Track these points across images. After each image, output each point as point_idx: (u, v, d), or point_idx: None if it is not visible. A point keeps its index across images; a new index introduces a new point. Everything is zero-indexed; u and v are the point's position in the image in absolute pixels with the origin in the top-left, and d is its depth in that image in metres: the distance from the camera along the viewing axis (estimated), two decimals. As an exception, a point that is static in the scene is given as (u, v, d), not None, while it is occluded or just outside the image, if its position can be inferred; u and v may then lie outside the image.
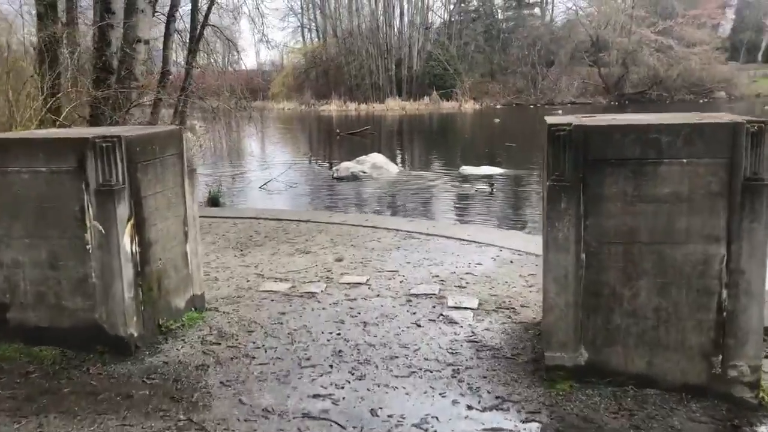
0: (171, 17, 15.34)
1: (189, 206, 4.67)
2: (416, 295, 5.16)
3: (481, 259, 6.23)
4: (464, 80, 57.13)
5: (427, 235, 7.31)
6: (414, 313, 4.75)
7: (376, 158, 17.52)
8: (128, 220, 3.98)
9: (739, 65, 62.83)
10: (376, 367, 3.86)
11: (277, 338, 4.36)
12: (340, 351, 4.10)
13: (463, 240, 6.99)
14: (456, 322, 4.53)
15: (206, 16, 17.12)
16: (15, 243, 4.06)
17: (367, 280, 5.62)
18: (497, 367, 3.79)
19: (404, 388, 3.59)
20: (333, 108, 53.20)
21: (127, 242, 3.96)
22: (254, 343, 4.29)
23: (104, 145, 3.85)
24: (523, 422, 3.20)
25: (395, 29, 60.76)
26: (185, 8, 17.61)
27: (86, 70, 12.02)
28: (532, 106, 53.52)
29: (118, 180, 3.89)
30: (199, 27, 16.76)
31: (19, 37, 13.16)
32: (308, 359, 4.00)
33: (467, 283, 5.49)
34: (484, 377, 3.67)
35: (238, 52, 21.48)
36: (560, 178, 3.35)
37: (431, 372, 3.77)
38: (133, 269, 4.05)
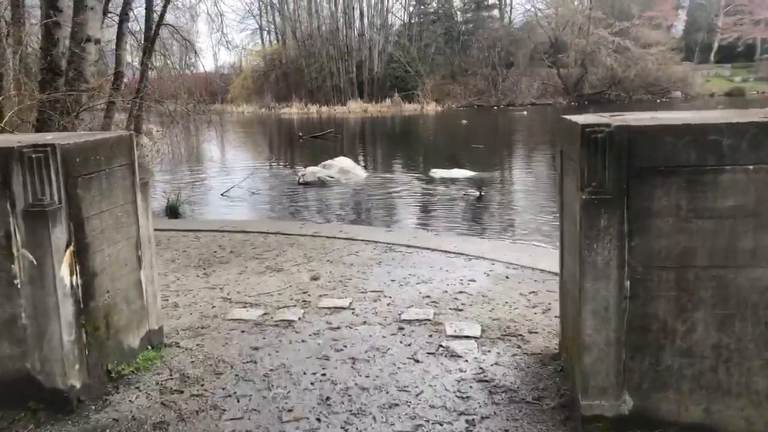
0: (124, 15, 14.45)
1: (143, 225, 3.95)
2: (408, 321, 4.52)
3: (474, 275, 5.63)
4: (425, 82, 56.94)
5: (409, 247, 6.69)
6: (409, 345, 4.11)
7: (344, 162, 16.85)
8: (67, 246, 3.26)
9: (694, 65, 63.99)
10: (374, 419, 3.21)
11: (251, 382, 3.67)
12: (327, 398, 3.43)
13: (450, 253, 6.38)
14: (459, 356, 3.91)
15: (162, 15, 16.26)
16: (-75, 277, 3.30)
17: (350, 303, 4.96)
18: (519, 415, 3.18)
19: (410, 446, 2.96)
20: (294, 111, 52.38)
21: (65, 274, 3.24)
22: (224, 389, 3.60)
23: (34, 156, 3.12)
24: (564, 492, 2.59)
25: (355, 31, 60.20)
26: (140, 10, 16.78)
27: (32, 71, 11.15)
28: (495, 107, 53.53)
29: (53, 198, 3.17)
30: (154, 26, 15.89)
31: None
32: (290, 410, 3.33)
33: (463, 304, 4.87)
34: (506, 431, 3.05)
35: (196, 53, 20.64)
36: (599, 191, 2.75)
37: (441, 425, 3.12)
38: (74, 306, 3.32)
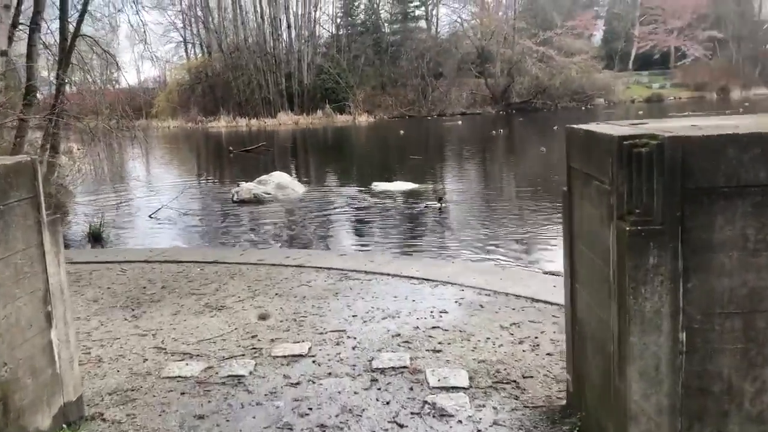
0: (35, 25, 13.26)
1: (53, 274, 3.15)
2: (382, 371, 3.85)
3: (444, 305, 5.02)
4: (356, 93, 56.62)
5: (367, 273, 6.02)
6: (387, 403, 3.43)
7: (280, 177, 16.01)
8: (-55, 311, 2.45)
9: (614, 73, 66.09)
10: None
11: (198, 467, 2.93)
12: (298, 487, 2.73)
13: (413, 279, 5.76)
14: (450, 415, 3.26)
15: (78, 26, 15.13)
16: None
17: (309, 348, 4.25)
18: (542, 499, 2.56)
19: None
20: (222, 124, 50.99)
21: (-57, 349, 2.43)
22: (163, 480, 2.84)
23: None
24: None
25: (283, 43, 59.26)
26: (57, 22, 15.56)
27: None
28: (429, 117, 53.64)
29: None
30: (70, 38, 14.75)
31: None
32: (252, 508, 2.61)
33: (440, 343, 4.24)
34: None
35: (117, 66, 19.42)
36: (646, 220, 2.17)
37: None
38: (-42, 390, 2.51)
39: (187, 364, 4.08)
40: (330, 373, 3.85)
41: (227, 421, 3.33)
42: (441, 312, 4.86)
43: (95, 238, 10.76)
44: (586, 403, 2.89)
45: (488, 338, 4.29)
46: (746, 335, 2.22)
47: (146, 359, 4.24)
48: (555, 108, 55.87)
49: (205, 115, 53.38)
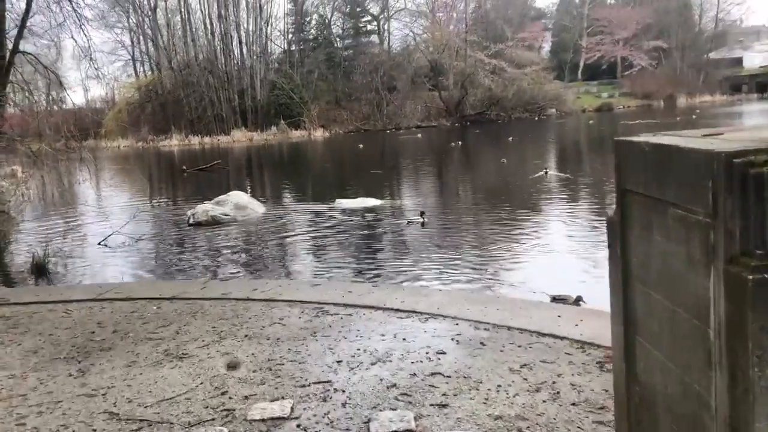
0: (-34, 41, 12.34)
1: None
2: (383, 435, 3.24)
3: (440, 343, 4.43)
4: (311, 108, 56.11)
5: (346, 307, 5.40)
6: (397, 482, 2.82)
7: (239, 197, 15.23)
8: None
9: (565, 84, 67.22)
10: None
11: None
12: None
13: (399, 311, 5.16)
14: (477, 495, 2.67)
15: (16, 41, 14.22)
16: None
17: (292, 408, 3.59)
18: None
19: None
20: (174, 143, 49.75)
21: None
22: None
23: None
24: None
25: (235, 59, 58.34)
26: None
27: None
28: (388, 131, 53.39)
29: None
30: (8, 54, 13.82)
31: None
32: None
33: (445, 394, 3.64)
34: None
35: (62, 86, 18.42)
36: (772, 265, 1.62)
37: None
38: None
39: (145, 436, 3.39)
40: (321, 441, 3.21)
41: None
42: (438, 353, 4.26)
43: (39, 270, 9.83)
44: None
45: (499, 386, 3.71)
46: None
47: (94, 430, 3.52)
48: (509, 119, 56.40)
49: (156, 134, 52.03)
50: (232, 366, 4.32)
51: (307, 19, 65.91)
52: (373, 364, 4.15)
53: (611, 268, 2.49)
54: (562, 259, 8.63)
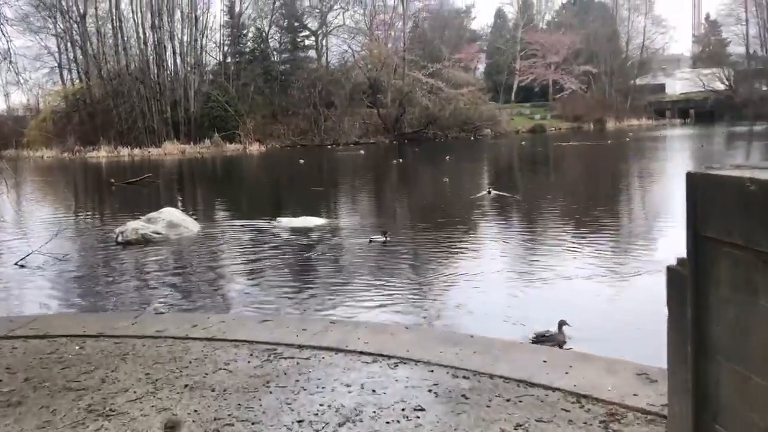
0: None
1: None
2: None
3: (416, 396, 3.84)
4: (246, 121, 54.99)
5: (302, 348, 4.75)
6: None
7: (172, 214, 14.26)
8: None
9: (499, 105, 68.33)
10: None
11: None
12: None
13: (364, 354, 4.55)
14: None
15: (-76, 42, 12.96)
16: None
17: (249, 487, 2.94)
18: None
19: None
20: (102, 154, 47.73)
21: None
22: None
23: None
24: None
25: (169, 70, 56.65)
26: None
27: None
28: (323, 147, 52.75)
29: None
30: None
31: None
32: None
33: (432, 466, 3.07)
34: None
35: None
36: None
37: None
38: None
39: None
40: None
41: None
42: (416, 409, 3.67)
43: (-59, 296, 8.76)
44: None
45: (495, 452, 3.16)
46: None
47: None
48: (446, 138, 56.78)
49: (83, 145, 49.83)
50: (171, 427, 3.61)
51: (244, 32, 64.85)
52: (341, 425, 3.53)
53: (673, 334, 1.97)
54: (525, 284, 8.22)
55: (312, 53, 68.37)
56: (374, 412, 3.67)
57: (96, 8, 56.08)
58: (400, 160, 33.29)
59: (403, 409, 3.68)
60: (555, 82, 74.05)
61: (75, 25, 55.43)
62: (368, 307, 7.36)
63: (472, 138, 57.43)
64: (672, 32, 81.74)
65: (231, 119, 54.45)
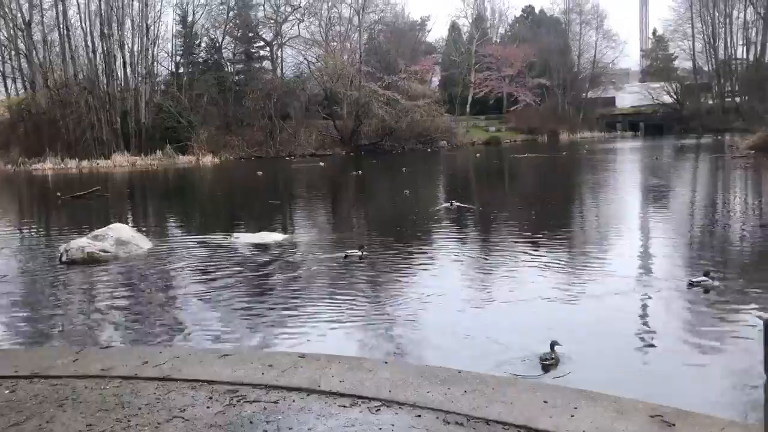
0: None
1: None
2: None
3: (404, 449, 3.35)
4: (199, 133, 53.86)
5: (268, 389, 4.20)
6: None
7: (121, 231, 13.43)
8: None
9: (455, 117, 68.68)
10: None
11: None
12: None
13: (341, 396, 4.03)
14: None
15: None
16: None
17: None
18: None
19: None
20: (48, 166, 46.03)
21: None
22: None
23: None
24: None
25: (119, 80, 55.14)
26: None
27: None
28: (278, 158, 51.96)
29: None
30: None
31: None
32: None
33: None
34: None
35: None
36: None
37: None
38: None
39: None
40: None
41: None
42: (406, 466, 3.18)
43: None
44: None
45: None
46: None
47: None
48: (402, 150, 56.72)
49: (28, 156, 47.96)
50: (117, 496, 3.02)
51: (197, 42, 63.71)
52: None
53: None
54: (498, 303, 7.80)
55: (267, 64, 67.68)
56: (358, 471, 3.15)
57: (42, 16, 54.32)
58: (359, 172, 32.82)
59: (391, 466, 3.18)
60: (509, 95, 74.85)
61: (20, 33, 53.50)
62: (336, 334, 6.81)
63: (429, 150, 57.47)
64: (623, 46, 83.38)
65: (183, 130, 53.29)
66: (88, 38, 53.87)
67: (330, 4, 65.75)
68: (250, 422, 3.75)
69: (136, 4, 55.90)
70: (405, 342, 6.61)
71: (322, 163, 42.80)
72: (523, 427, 3.51)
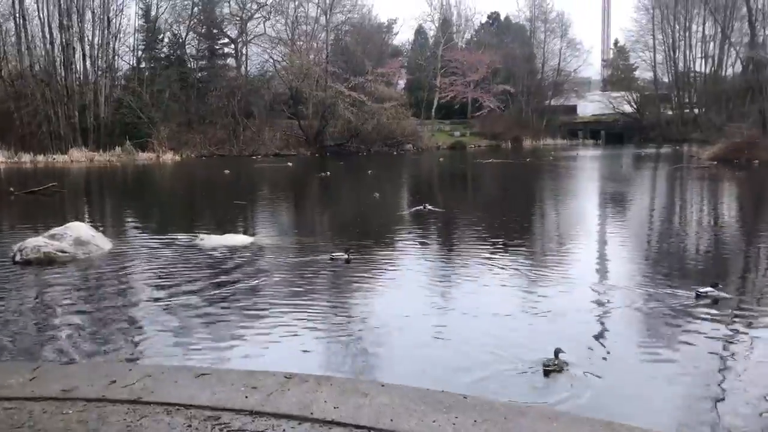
0: None
1: None
2: None
3: (415, 491, 2.96)
4: (160, 129, 52.72)
5: (254, 416, 3.77)
6: None
7: (80, 230, 12.72)
8: None
9: (421, 120, 68.69)
10: None
11: None
12: None
13: (336, 425, 3.62)
14: None
15: None
16: None
17: None
18: None
19: None
20: (1, 160, 44.38)
21: None
22: None
23: None
24: None
25: (78, 73, 53.57)
26: None
27: None
28: (254, 158, 51.11)
29: None
30: None
31: None
32: None
33: None
34: None
35: None
36: None
37: None
38: None
39: None
40: None
41: None
42: None
43: None
44: None
45: None
46: None
47: None
48: (368, 152, 56.43)
49: (-21, 150, 46.27)
50: None
51: (160, 37, 62.42)
52: None
53: None
54: (484, 312, 7.45)
55: (231, 61, 66.75)
56: None
57: (-4, 4, 52.55)
58: (327, 173, 32.35)
59: None
60: (474, 100, 75.19)
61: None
62: (307, 343, 6.38)
63: (395, 153, 57.29)
64: (586, 55, 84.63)
65: (144, 126, 52.10)
66: (46, 29, 52.28)
67: (297, 2, 65.16)
68: (237, 456, 3.33)
69: (97, -6, 54.50)
70: (392, 353, 6.22)
71: (289, 164, 42.15)
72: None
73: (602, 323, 7.12)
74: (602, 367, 5.61)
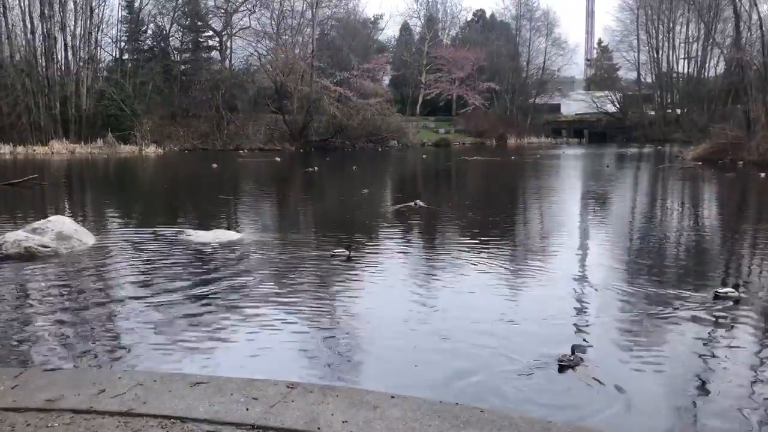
0: None
1: None
2: None
3: None
4: (143, 122, 52.11)
5: (255, 429, 3.51)
6: None
7: (63, 224, 12.29)
8: None
9: (406, 117, 68.56)
10: None
11: None
12: None
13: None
14: None
15: None
16: None
17: None
18: None
19: None
20: (-21, 151, 43.75)
21: None
22: None
23: None
24: None
25: (59, 63, 52.73)
26: None
27: None
28: (239, 152, 50.61)
29: None
30: None
31: None
32: None
33: None
34: None
35: None
36: None
37: None
38: None
39: None
40: None
41: None
42: None
43: None
44: None
45: None
46: None
47: None
48: (353, 147, 56.19)
49: (-43, 140, 45.47)
50: None
51: (143, 29, 61.66)
52: None
53: None
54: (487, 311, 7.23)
55: (215, 54, 66.23)
56: None
57: (-25, -7, 51.57)
58: (315, 168, 32.04)
59: None
60: (459, 97, 75.16)
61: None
62: (302, 345, 6.10)
63: (380, 149, 57.02)
64: (571, 54, 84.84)
65: (126, 119, 51.47)
66: (27, 18, 51.37)
67: (283, -4, 64.64)
68: (241, 478, 3.06)
69: (79, -16, 53.67)
70: (376, 356, 5.97)
71: (278, 158, 41.67)
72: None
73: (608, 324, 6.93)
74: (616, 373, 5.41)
